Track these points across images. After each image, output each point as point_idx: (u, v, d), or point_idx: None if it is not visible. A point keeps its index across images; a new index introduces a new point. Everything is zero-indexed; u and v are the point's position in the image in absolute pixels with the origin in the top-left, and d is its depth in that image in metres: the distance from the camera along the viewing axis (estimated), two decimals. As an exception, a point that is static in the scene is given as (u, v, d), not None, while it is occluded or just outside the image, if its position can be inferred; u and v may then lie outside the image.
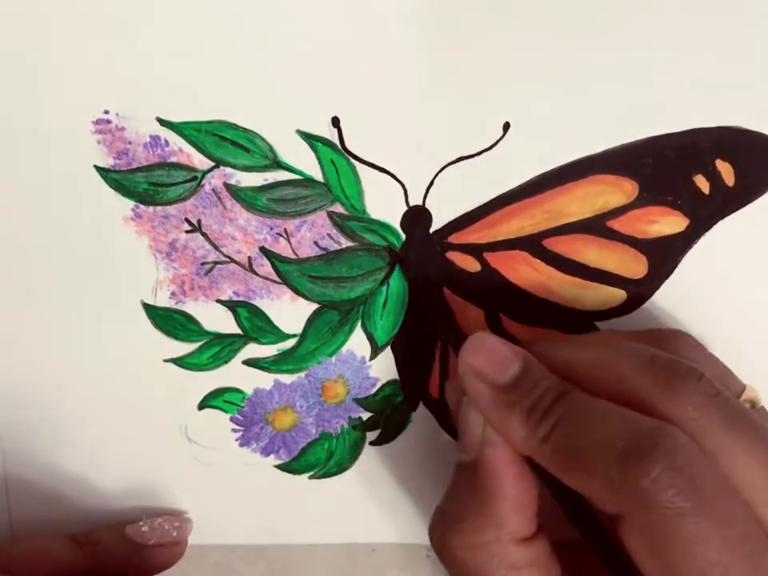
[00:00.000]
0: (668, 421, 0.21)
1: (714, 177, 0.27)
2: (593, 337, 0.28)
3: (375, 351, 0.29)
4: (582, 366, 0.24)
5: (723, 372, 0.25)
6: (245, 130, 0.26)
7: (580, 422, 0.22)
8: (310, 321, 0.29)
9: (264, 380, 0.29)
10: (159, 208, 0.27)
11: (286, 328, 0.29)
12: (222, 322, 0.29)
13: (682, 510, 0.20)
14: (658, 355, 0.23)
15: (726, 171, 0.27)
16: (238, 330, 0.29)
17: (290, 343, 0.29)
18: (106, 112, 0.26)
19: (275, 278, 0.28)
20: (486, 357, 0.24)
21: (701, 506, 0.20)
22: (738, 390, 0.25)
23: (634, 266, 0.28)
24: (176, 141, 0.26)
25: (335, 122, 0.26)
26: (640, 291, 0.28)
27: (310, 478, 0.31)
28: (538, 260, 0.28)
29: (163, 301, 0.28)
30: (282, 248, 0.28)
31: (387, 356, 0.29)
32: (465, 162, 0.27)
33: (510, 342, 0.24)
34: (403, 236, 0.28)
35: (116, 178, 0.27)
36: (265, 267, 0.28)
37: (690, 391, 0.22)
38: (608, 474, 0.20)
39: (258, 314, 0.28)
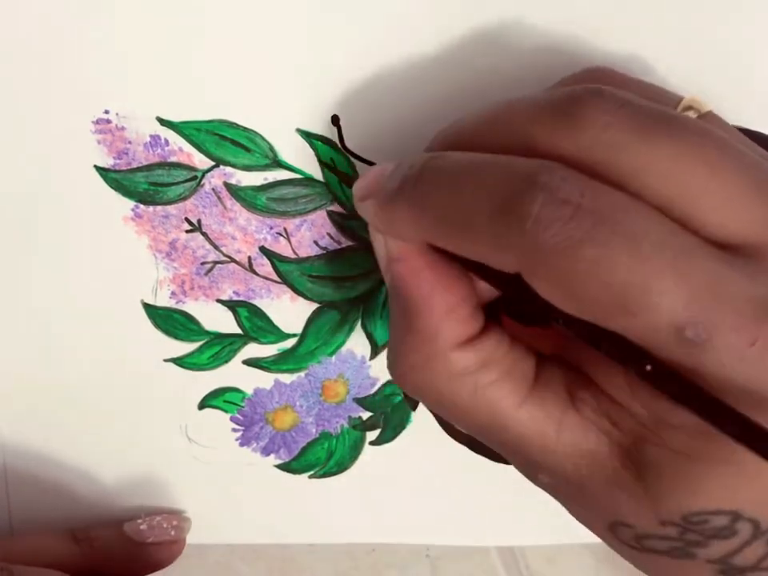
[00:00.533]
0: (572, 157, 0.19)
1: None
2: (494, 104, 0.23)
3: (375, 351, 0.29)
4: (471, 132, 0.21)
5: (652, 90, 0.22)
6: (245, 129, 0.26)
7: (453, 179, 0.20)
8: (310, 320, 0.29)
9: (264, 380, 0.29)
10: (159, 208, 0.27)
11: (286, 328, 0.29)
12: (222, 321, 0.29)
13: (575, 240, 0.17)
14: (544, 94, 0.20)
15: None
16: (238, 330, 0.29)
17: (290, 343, 0.29)
18: (106, 112, 0.26)
19: (275, 277, 0.28)
20: (368, 177, 0.22)
21: (598, 230, 0.17)
22: (673, 99, 0.21)
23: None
24: (176, 140, 0.26)
25: (335, 120, 0.26)
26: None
27: (310, 477, 0.31)
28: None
29: (163, 300, 0.28)
30: (282, 247, 0.28)
31: (387, 355, 0.29)
32: (464, 161, 0.27)
33: None
34: (403, 235, 0.28)
35: (116, 178, 0.27)
36: (265, 267, 0.28)
37: (590, 113, 0.19)
38: (492, 232, 0.18)
39: (258, 313, 0.28)
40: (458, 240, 0.20)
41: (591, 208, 0.18)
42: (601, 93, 0.19)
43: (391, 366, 0.23)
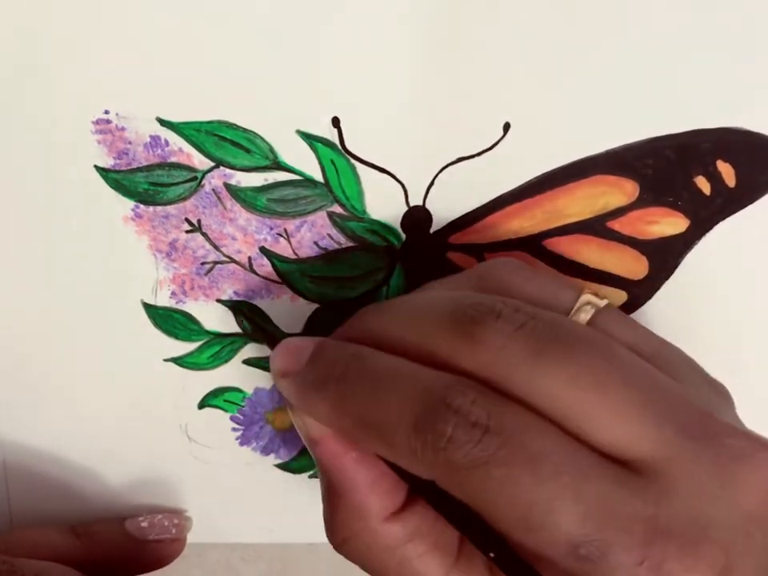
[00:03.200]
0: (473, 372, 0.20)
1: (714, 178, 0.27)
2: (410, 296, 0.25)
3: (375, 351, 0.29)
4: (387, 332, 0.22)
5: (546, 287, 0.23)
6: (245, 130, 0.26)
7: (373, 387, 0.21)
8: (310, 321, 0.29)
9: (264, 379, 0.29)
10: (159, 208, 0.27)
11: (286, 328, 0.29)
12: (222, 321, 0.29)
13: (481, 461, 0.19)
14: (460, 303, 0.22)
15: (727, 172, 0.27)
16: (237, 330, 0.29)
17: (290, 343, 0.29)
18: (106, 112, 0.26)
19: (275, 277, 0.28)
20: (285, 355, 0.23)
21: (503, 452, 0.19)
22: (567, 302, 0.23)
23: (634, 266, 0.28)
24: (176, 141, 0.26)
25: (335, 122, 0.26)
26: (640, 292, 0.28)
27: (310, 477, 0.31)
28: (539, 260, 0.28)
29: (163, 300, 0.28)
30: (282, 248, 0.28)
31: (387, 356, 0.29)
32: (465, 162, 0.27)
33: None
34: (403, 236, 0.28)
35: (116, 178, 0.27)
36: (265, 267, 0.28)
37: (489, 334, 0.20)
38: (409, 445, 0.20)
39: (258, 313, 0.28)
40: (375, 445, 0.21)
41: (497, 430, 0.19)
42: (499, 313, 0.21)
43: (328, 537, 0.24)
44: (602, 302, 0.23)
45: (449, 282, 0.25)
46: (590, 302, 0.23)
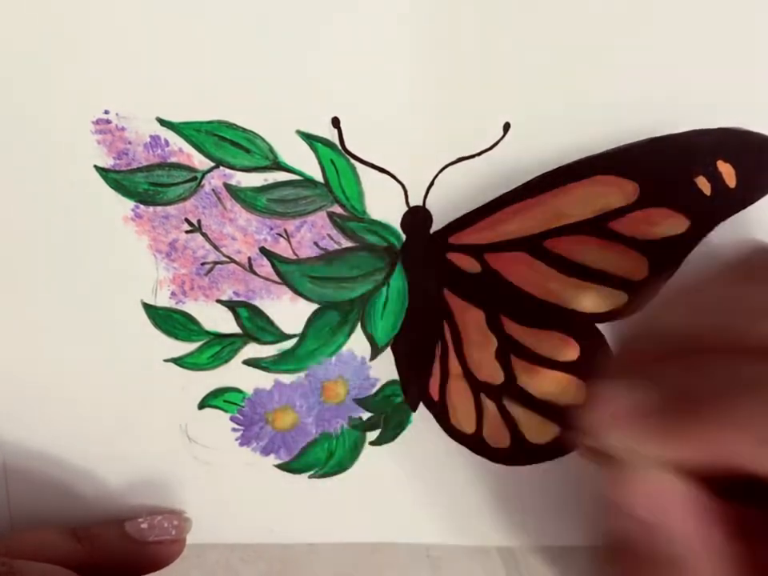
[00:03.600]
0: None
1: (715, 178, 0.27)
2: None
3: (375, 351, 0.29)
4: None
5: None
6: (245, 130, 0.26)
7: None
8: (310, 321, 0.29)
9: (264, 380, 0.29)
10: (159, 208, 0.27)
11: (286, 328, 0.29)
12: (222, 322, 0.29)
13: None
14: None
15: (728, 172, 0.27)
16: (237, 330, 0.29)
17: (290, 343, 0.29)
18: (106, 112, 0.26)
19: (275, 278, 0.28)
20: (610, 404, 0.19)
21: None
22: None
23: (634, 267, 0.28)
24: (176, 141, 0.26)
25: (335, 122, 0.26)
26: (641, 293, 0.28)
27: (310, 477, 0.31)
28: (539, 261, 0.28)
29: (163, 301, 0.28)
30: (282, 248, 0.28)
31: (387, 356, 0.29)
32: (465, 162, 0.27)
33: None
34: (403, 237, 0.28)
35: (116, 178, 0.27)
36: (265, 267, 0.28)
37: None
38: None
39: (258, 314, 0.28)
40: None
41: None
42: None
43: None
44: None
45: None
46: None
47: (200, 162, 0.27)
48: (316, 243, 0.28)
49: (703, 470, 0.18)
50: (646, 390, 0.19)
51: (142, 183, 0.27)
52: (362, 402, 0.30)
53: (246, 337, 0.29)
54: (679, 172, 0.27)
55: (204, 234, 0.28)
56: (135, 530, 0.29)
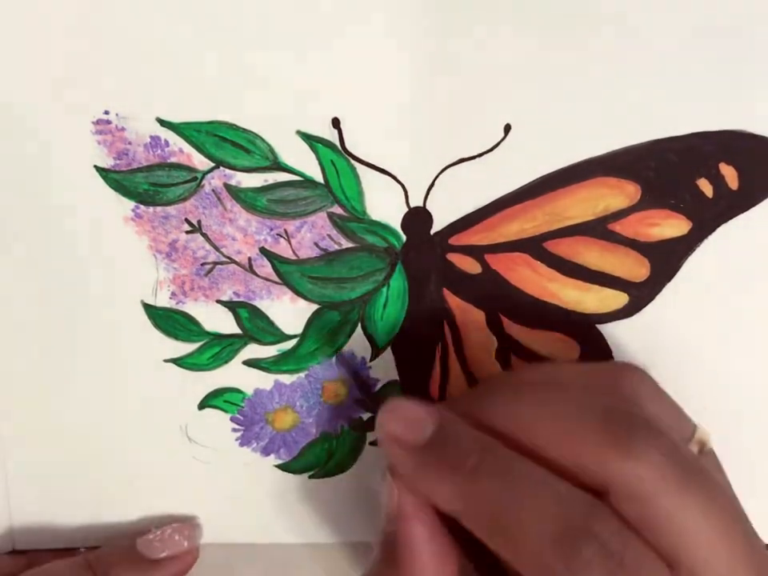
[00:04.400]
0: (620, 480, 0.21)
1: (717, 180, 0.27)
2: (527, 381, 0.25)
3: (375, 352, 0.29)
4: (524, 418, 0.22)
5: (674, 412, 0.24)
6: (245, 130, 0.26)
7: (511, 490, 0.21)
8: (311, 321, 0.29)
9: (264, 380, 0.29)
10: (159, 208, 0.27)
11: (286, 328, 0.29)
12: (222, 322, 0.28)
13: None
14: (613, 409, 0.22)
15: (730, 175, 0.27)
16: (238, 331, 0.29)
17: (290, 344, 0.29)
18: (106, 112, 0.26)
19: (275, 278, 0.28)
20: (402, 422, 0.23)
21: None
22: (688, 432, 0.24)
23: (635, 268, 0.28)
24: (176, 141, 0.26)
25: (335, 122, 0.26)
26: (642, 294, 0.28)
27: (311, 477, 0.31)
28: (539, 262, 0.28)
29: (163, 301, 0.28)
30: (283, 249, 0.28)
31: (387, 357, 0.29)
32: (466, 163, 0.27)
33: (425, 403, 0.24)
34: (404, 237, 0.28)
35: (116, 179, 0.27)
36: (265, 268, 0.28)
37: (645, 450, 0.21)
38: (541, 558, 0.20)
39: (258, 314, 0.28)
40: (500, 544, 0.21)
41: (631, 565, 0.20)
42: (659, 433, 0.21)
43: None
44: (709, 445, 0.24)
45: (577, 372, 0.25)
46: (700, 440, 0.24)
47: (200, 162, 0.27)
48: (316, 244, 0.28)
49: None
50: (426, 434, 0.23)
51: (142, 183, 0.27)
52: (363, 402, 0.30)
53: (246, 337, 0.29)
54: (681, 174, 0.27)
55: (204, 235, 0.27)
56: (147, 547, 0.28)
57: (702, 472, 0.21)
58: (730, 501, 0.22)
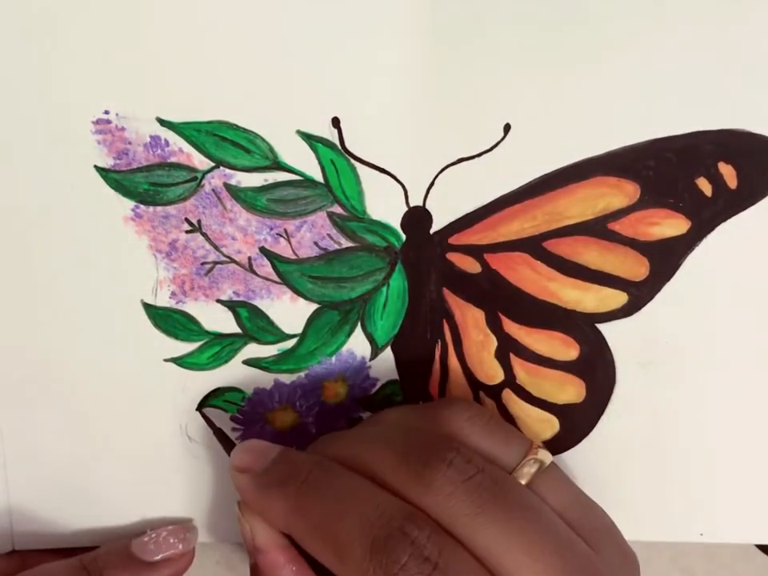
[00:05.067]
0: (423, 508, 0.23)
1: (716, 179, 0.27)
2: (367, 424, 0.28)
3: (375, 351, 0.29)
4: (341, 456, 0.25)
5: (497, 439, 0.25)
6: (245, 130, 0.26)
7: (335, 498, 0.23)
8: (310, 321, 0.29)
9: (264, 380, 0.29)
10: (159, 208, 0.27)
11: (286, 328, 0.29)
12: (222, 321, 0.29)
13: None
14: (412, 446, 0.24)
15: (729, 174, 0.27)
16: (237, 330, 0.29)
17: (290, 343, 0.29)
18: (106, 112, 0.26)
19: (275, 278, 0.28)
20: (248, 453, 0.26)
21: None
22: (515, 455, 0.25)
23: (635, 268, 0.28)
24: (176, 141, 0.26)
25: (335, 122, 0.26)
26: (641, 293, 0.28)
27: (310, 477, 0.31)
28: (539, 261, 0.28)
29: (163, 301, 0.28)
30: (282, 248, 0.28)
31: (387, 356, 0.29)
32: (465, 163, 0.27)
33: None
34: (403, 237, 0.28)
35: (116, 178, 0.27)
36: (265, 267, 0.28)
37: (439, 480, 0.23)
38: (361, 564, 0.22)
39: (258, 314, 0.28)
40: (325, 555, 0.23)
41: (444, 569, 0.21)
42: (450, 462, 0.23)
43: None
44: (548, 461, 0.25)
45: (407, 412, 0.27)
46: (536, 458, 0.25)
47: (200, 162, 0.27)
48: (316, 243, 0.28)
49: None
50: (268, 460, 0.25)
51: (142, 183, 0.27)
52: (362, 402, 0.30)
53: (246, 337, 0.29)
54: (680, 173, 0.27)
55: (204, 234, 0.28)
56: (142, 550, 0.28)
57: (500, 496, 0.23)
58: (541, 520, 0.23)
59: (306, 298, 0.28)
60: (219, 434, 0.29)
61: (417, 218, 0.28)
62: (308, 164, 0.27)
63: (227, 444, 0.29)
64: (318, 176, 0.27)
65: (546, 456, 0.25)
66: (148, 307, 0.28)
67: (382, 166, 0.27)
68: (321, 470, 0.24)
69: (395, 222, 0.28)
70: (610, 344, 0.29)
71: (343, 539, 0.22)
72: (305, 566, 0.26)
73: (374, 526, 0.22)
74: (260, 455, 0.26)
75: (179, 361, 0.29)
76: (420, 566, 0.21)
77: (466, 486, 0.23)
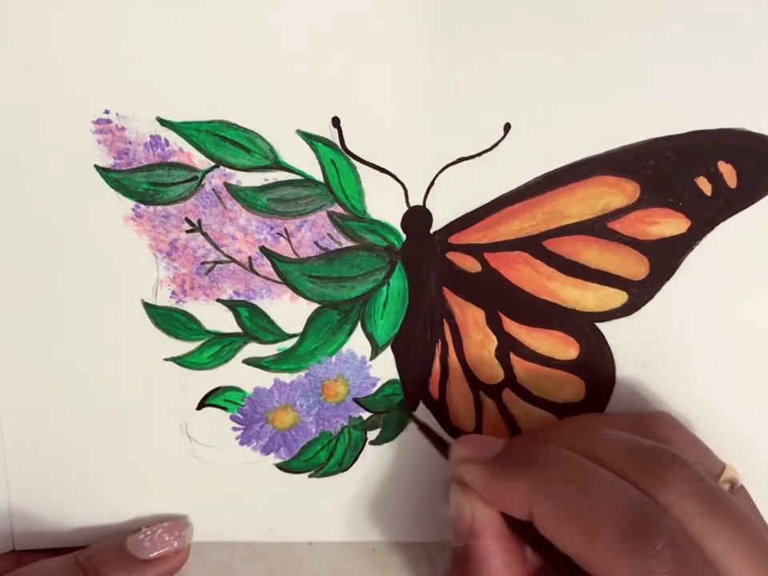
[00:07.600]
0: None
1: (716, 178, 0.27)
2: (574, 421, 0.28)
3: (375, 351, 0.29)
4: (580, 441, 0.25)
5: (703, 453, 0.26)
6: (245, 129, 0.26)
7: (581, 480, 0.23)
8: (311, 320, 0.29)
9: (264, 379, 0.29)
10: (159, 208, 0.27)
11: (286, 327, 0.29)
12: (223, 321, 0.29)
13: None
14: (640, 443, 0.24)
15: (728, 173, 0.27)
16: (238, 330, 0.29)
17: (290, 343, 0.29)
18: (106, 112, 0.26)
19: (275, 277, 0.28)
20: (473, 444, 0.26)
21: None
22: (717, 469, 0.25)
23: (635, 267, 0.28)
24: (176, 141, 0.26)
25: (335, 122, 0.26)
26: (641, 293, 0.28)
27: (310, 476, 0.31)
28: (539, 261, 0.28)
29: (164, 300, 0.28)
30: (283, 248, 0.28)
31: (387, 356, 0.29)
32: (465, 162, 0.27)
33: None
34: (404, 236, 0.28)
35: (116, 178, 0.27)
36: (265, 267, 0.28)
37: (673, 478, 0.23)
38: (614, 544, 0.21)
39: (258, 313, 0.28)
40: (573, 533, 0.22)
41: (693, 562, 0.21)
42: (684, 463, 0.23)
43: None
44: (739, 482, 0.25)
45: (609, 415, 0.28)
46: (730, 479, 0.25)
47: (200, 161, 0.27)
48: (316, 243, 0.28)
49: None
50: (496, 450, 0.25)
51: (143, 183, 0.27)
52: (362, 402, 0.30)
53: (247, 336, 0.29)
54: (680, 172, 0.27)
55: (204, 234, 0.28)
56: (137, 547, 0.28)
57: (728, 502, 0.23)
58: (758, 533, 0.23)
59: (306, 297, 0.28)
60: (424, 429, 0.29)
61: (417, 217, 0.28)
62: (308, 163, 0.27)
63: (436, 440, 0.28)
64: (318, 175, 0.27)
65: (737, 476, 0.25)
66: (148, 307, 0.28)
67: (382, 166, 0.27)
68: (560, 455, 0.24)
69: (395, 222, 0.28)
70: (609, 343, 0.29)
71: (594, 519, 0.22)
72: (518, 560, 0.25)
73: (626, 509, 0.22)
74: (485, 446, 0.26)
75: (179, 360, 0.29)
76: (674, 554, 0.21)
77: (699, 486, 0.23)
